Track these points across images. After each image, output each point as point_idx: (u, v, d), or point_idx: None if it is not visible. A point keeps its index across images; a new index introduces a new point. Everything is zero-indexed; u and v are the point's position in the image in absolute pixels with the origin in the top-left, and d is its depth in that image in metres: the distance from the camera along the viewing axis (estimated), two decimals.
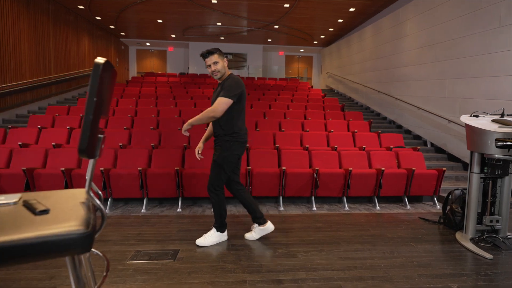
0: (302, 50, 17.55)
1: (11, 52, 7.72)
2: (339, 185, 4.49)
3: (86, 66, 11.83)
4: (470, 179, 3.07)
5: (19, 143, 4.88)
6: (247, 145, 5.19)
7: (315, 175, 4.39)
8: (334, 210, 4.36)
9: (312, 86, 12.80)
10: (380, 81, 9.34)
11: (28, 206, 0.87)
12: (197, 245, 2.82)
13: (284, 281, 2.23)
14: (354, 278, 2.30)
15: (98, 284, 1.10)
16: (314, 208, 4.38)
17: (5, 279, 2.17)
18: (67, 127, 5.58)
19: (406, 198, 4.64)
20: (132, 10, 10.90)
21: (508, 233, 3.09)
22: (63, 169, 4.02)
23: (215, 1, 9.80)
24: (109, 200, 4.23)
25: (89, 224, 0.75)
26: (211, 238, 2.86)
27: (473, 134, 2.98)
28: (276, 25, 12.43)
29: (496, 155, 2.81)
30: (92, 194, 0.89)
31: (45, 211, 0.80)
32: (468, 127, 3.05)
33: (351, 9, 10.27)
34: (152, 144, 5.00)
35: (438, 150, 6.84)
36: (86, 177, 0.90)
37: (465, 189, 3.30)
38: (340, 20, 11.58)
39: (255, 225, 2.97)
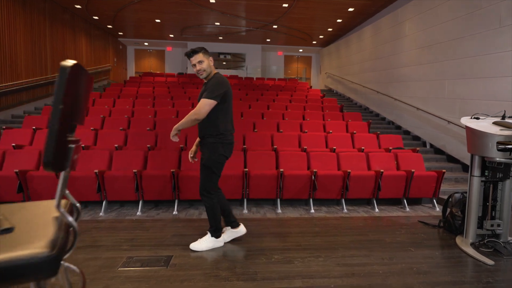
0: (301, 50, 17.48)
1: (7, 52, 7.64)
2: (337, 187, 4.43)
3: (84, 66, 11.73)
4: (471, 183, 3.00)
5: (13, 144, 4.81)
6: (244, 146, 5.16)
7: (313, 177, 4.33)
8: (332, 212, 4.30)
9: (311, 87, 12.73)
10: (379, 81, 9.27)
11: None
12: (191, 250, 2.75)
13: None
14: (352, 286, 2.23)
15: None
16: (312, 211, 4.32)
17: None
18: None
19: (405, 200, 4.58)
20: (130, 10, 10.82)
21: (509, 238, 3.02)
22: None
23: (214, 1, 9.72)
24: (103, 202, 4.16)
25: (55, 245, 0.67)
26: (206, 243, 2.79)
27: (474, 137, 2.91)
28: (275, 25, 12.36)
29: (498, 158, 2.74)
30: (63, 210, 0.82)
31: (9, 230, 0.73)
32: (468, 129, 2.98)
33: (350, 9, 10.21)
34: (148, 146, 4.93)
35: (438, 151, 6.78)
36: (57, 191, 0.82)
37: (465, 192, 3.23)
38: (339, 20, 11.52)
39: (228, 227, 2.97)
